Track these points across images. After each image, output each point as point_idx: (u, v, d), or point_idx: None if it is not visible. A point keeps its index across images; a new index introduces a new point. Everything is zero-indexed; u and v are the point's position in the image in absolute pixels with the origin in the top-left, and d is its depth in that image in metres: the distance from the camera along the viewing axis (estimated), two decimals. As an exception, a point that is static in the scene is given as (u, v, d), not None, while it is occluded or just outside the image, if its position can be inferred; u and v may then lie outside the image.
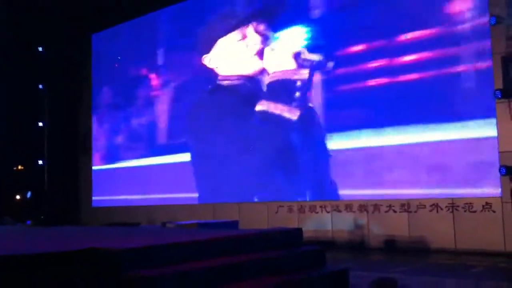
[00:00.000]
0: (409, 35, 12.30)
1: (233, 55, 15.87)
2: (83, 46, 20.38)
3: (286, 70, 14.47)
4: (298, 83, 14.15)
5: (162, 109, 17.71)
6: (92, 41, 20.47)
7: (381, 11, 12.87)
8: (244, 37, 15.52)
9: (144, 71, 18.47)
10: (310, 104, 14.02)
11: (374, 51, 12.91)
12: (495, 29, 11.07)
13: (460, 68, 11.58)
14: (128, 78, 18.89)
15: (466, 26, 11.54)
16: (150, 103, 18.12)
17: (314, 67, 13.98)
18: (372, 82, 12.86)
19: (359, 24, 13.20)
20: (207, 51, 16.35)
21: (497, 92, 10.85)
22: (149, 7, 17.97)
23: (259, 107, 14.86)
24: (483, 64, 11.24)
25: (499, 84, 10.92)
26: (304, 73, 14.10)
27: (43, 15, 18.86)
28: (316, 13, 14.24)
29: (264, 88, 14.88)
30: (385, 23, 12.75)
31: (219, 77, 16.13)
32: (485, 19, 11.23)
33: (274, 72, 14.72)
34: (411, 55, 12.26)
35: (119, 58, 19.45)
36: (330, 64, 13.69)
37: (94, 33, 20.35)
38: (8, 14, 18.59)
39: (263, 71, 14.98)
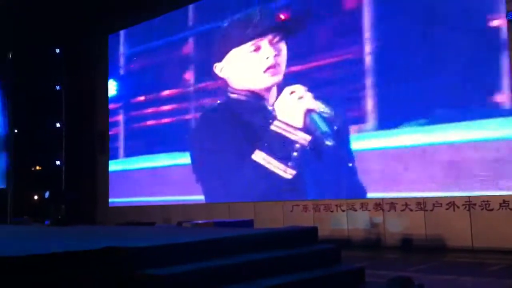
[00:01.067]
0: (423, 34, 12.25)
1: (245, 67, 15.56)
2: (100, 47, 20.54)
3: (291, 125, 14.19)
4: (297, 145, 14.00)
5: (177, 110, 17.77)
6: (108, 42, 20.63)
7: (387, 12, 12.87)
8: (257, 48, 15.16)
9: (159, 72, 18.56)
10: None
11: (381, 54, 12.89)
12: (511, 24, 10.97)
13: (477, 64, 11.47)
14: (144, 79, 19.00)
15: (482, 22, 11.43)
16: (164, 103, 18.20)
17: (316, 136, 13.74)
18: (387, 80, 12.82)
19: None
20: (220, 59, 16.22)
21: (514, 89, 10.75)
22: (165, 9, 18.07)
23: (255, 156, 14.85)
24: (500, 61, 11.13)
25: (516, 80, 10.83)
26: (304, 138, 13.90)
27: (60, 16, 19.05)
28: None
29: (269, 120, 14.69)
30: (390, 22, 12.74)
31: (229, 89, 16.04)
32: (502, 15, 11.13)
33: (281, 121, 14.43)
34: (424, 54, 12.21)
35: (134, 58, 19.58)
36: (329, 143, 13.50)
37: (110, 34, 20.51)
38: (25, 16, 18.81)
39: (270, 89, 14.79)
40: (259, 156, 14.79)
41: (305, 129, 13.97)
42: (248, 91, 15.50)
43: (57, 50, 20.47)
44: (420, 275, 7.86)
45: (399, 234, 12.40)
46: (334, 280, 6.36)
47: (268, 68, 14.91)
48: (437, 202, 11.85)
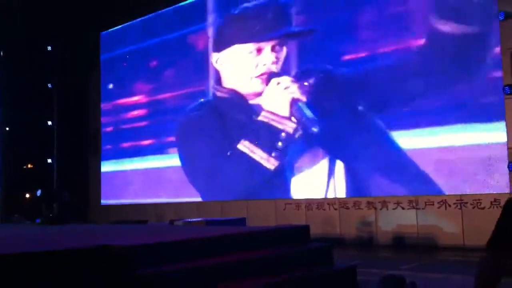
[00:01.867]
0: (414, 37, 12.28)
1: (239, 66, 15.33)
2: (92, 45, 20.44)
3: (277, 114, 14.13)
4: (283, 134, 13.97)
5: (168, 109, 17.72)
6: (100, 39, 20.53)
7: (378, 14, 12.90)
8: (259, 51, 14.80)
9: (152, 71, 18.50)
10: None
11: (380, 54, 12.91)
12: (504, 24, 11.00)
13: (469, 63, 11.51)
14: (137, 77, 18.94)
15: (475, 22, 11.45)
16: (156, 103, 18.16)
17: (301, 123, 13.71)
18: (383, 81, 12.85)
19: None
20: (219, 50, 16.00)
21: (506, 88, 10.80)
22: (159, 5, 17.99)
23: (240, 146, 14.83)
24: (493, 60, 11.17)
25: (508, 79, 10.86)
26: (290, 126, 13.88)
27: (52, 14, 18.94)
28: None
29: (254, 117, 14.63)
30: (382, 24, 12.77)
31: (216, 86, 15.92)
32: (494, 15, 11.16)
33: (267, 111, 14.35)
34: (416, 56, 12.24)
35: (127, 56, 19.49)
36: (315, 129, 13.50)
37: (102, 32, 20.41)
38: (17, 14, 18.69)
39: (259, 94, 14.66)
40: (244, 146, 14.75)
41: (291, 118, 13.90)
42: (234, 91, 15.39)
43: (49, 48, 20.36)
44: (412, 273, 7.88)
45: (391, 233, 12.43)
46: (326, 278, 6.37)
47: (261, 75, 14.65)
48: (429, 201, 11.88)
